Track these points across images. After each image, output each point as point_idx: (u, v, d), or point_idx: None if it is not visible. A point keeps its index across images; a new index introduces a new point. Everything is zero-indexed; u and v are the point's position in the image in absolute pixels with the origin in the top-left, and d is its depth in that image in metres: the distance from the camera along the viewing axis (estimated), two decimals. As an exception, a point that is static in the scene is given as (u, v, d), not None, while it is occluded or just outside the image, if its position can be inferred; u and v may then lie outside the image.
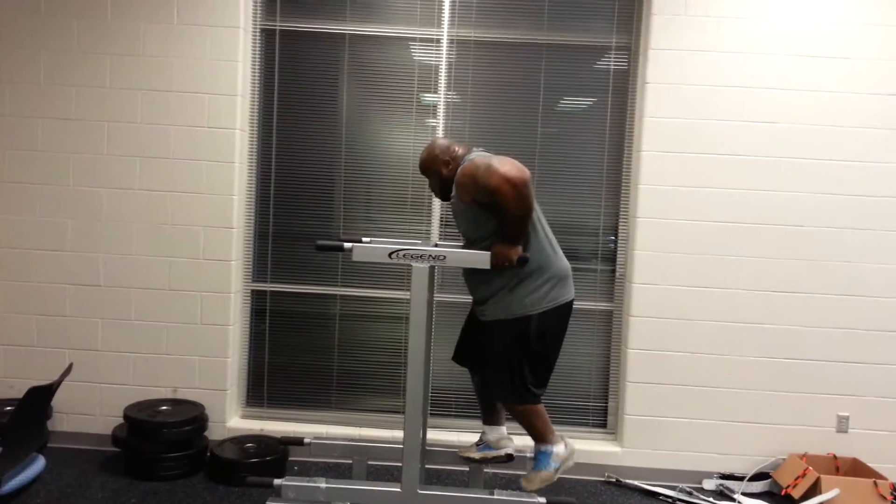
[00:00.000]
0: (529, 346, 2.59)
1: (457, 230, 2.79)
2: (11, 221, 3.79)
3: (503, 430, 2.94)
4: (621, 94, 3.84)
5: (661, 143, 3.64)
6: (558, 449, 2.71)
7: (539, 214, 2.65)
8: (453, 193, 2.64)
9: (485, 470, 3.01)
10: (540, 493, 2.58)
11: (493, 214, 2.51)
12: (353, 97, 3.93)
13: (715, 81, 3.62)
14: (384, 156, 3.94)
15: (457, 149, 2.73)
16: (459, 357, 2.95)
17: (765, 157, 3.63)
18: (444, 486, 2.58)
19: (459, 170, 2.59)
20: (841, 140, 3.61)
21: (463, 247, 2.74)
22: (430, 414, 3.78)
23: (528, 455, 2.89)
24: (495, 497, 2.50)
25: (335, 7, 3.86)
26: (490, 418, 2.95)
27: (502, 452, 2.84)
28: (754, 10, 3.61)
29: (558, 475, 2.70)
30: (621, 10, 3.81)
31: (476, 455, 2.85)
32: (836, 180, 3.62)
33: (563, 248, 2.73)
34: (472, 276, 2.69)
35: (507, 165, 2.42)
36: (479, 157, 2.57)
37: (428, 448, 3.00)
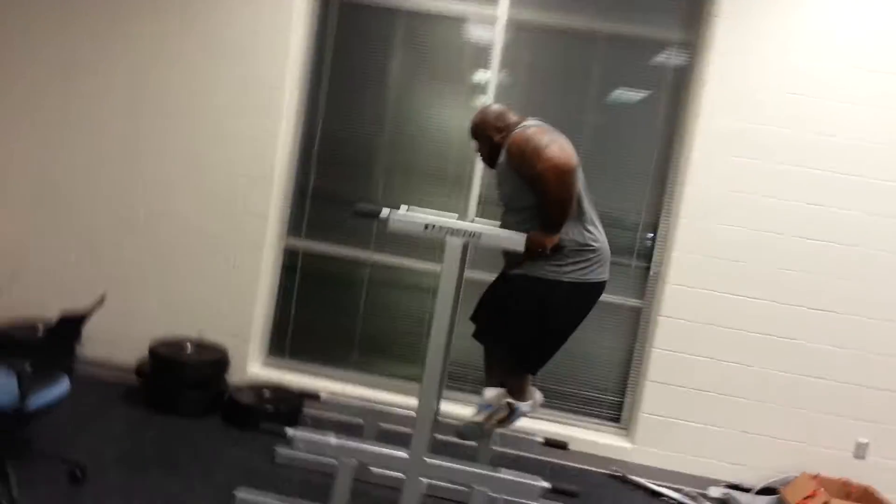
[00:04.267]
0: (545, 313, 2.57)
1: (497, 200, 2.75)
2: (59, 155, 3.91)
3: (501, 392, 2.87)
4: (677, 91, 3.75)
5: (713, 145, 3.55)
6: (524, 408, 2.74)
7: (584, 194, 2.60)
8: (501, 159, 2.61)
9: (493, 447, 3.01)
10: (545, 478, 2.58)
11: (535, 192, 2.49)
12: (403, 70, 3.92)
13: (774, 88, 3.51)
14: (429, 129, 3.93)
15: (510, 116, 2.69)
16: (476, 315, 2.91)
17: (816, 171, 3.52)
18: (451, 457, 2.59)
19: (511, 137, 2.56)
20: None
21: (503, 213, 2.71)
22: (447, 387, 3.81)
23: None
24: (500, 475, 2.51)
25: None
26: (491, 380, 2.91)
27: (503, 405, 2.75)
28: (821, 19, 3.48)
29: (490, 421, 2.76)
30: (687, 5, 3.70)
31: (478, 417, 2.79)
32: (888, 202, 3.50)
33: (601, 238, 2.70)
34: (518, 217, 2.61)
35: (555, 150, 2.39)
36: (532, 129, 2.52)
37: (440, 419, 3.03)
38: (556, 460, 3.61)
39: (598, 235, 2.61)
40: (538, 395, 2.85)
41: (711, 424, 3.68)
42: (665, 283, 3.66)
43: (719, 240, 3.59)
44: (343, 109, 3.97)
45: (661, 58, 3.77)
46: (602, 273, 2.61)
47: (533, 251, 2.45)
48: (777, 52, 3.50)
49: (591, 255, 2.56)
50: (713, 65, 3.54)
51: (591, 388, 3.94)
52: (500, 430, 2.94)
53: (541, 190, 2.41)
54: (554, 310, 2.58)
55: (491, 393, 2.78)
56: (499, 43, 3.80)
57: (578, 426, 3.89)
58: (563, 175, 2.37)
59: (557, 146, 2.42)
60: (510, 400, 2.72)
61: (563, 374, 3.89)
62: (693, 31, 3.70)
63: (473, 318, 2.89)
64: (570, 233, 2.52)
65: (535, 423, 3.75)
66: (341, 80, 3.95)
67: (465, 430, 2.83)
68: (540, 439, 3.08)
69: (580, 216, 2.56)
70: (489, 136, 2.69)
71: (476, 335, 2.85)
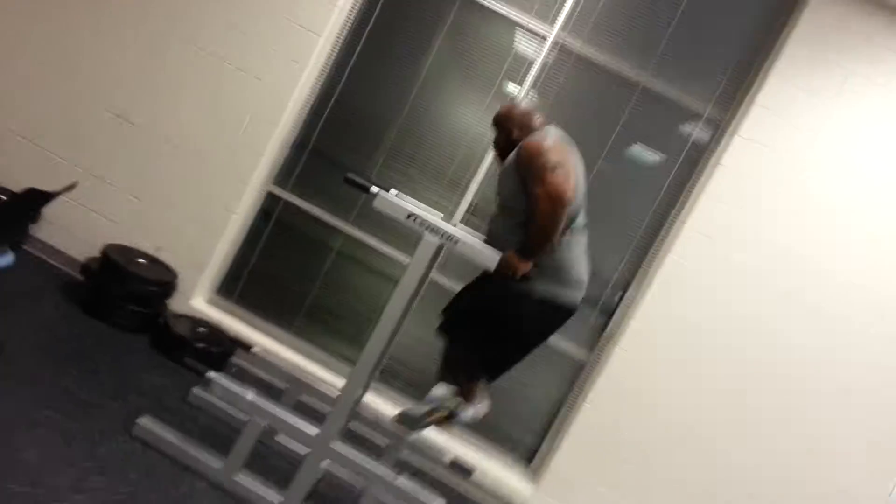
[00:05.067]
0: (511, 322, 2.56)
1: (494, 194, 2.72)
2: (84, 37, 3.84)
3: (451, 391, 2.83)
4: (690, 164, 3.76)
5: (706, 227, 3.56)
6: (469, 414, 2.72)
7: (582, 217, 2.60)
8: (511, 157, 2.58)
9: (400, 453, 2.99)
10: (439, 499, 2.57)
11: (522, 203, 2.48)
12: (438, 57, 3.88)
13: (780, 198, 3.54)
14: (443, 125, 3.91)
15: (536, 118, 2.67)
16: (448, 309, 2.86)
17: (790, 292, 3.53)
18: (358, 449, 2.57)
19: (528, 139, 2.54)
20: (880, 307, 3.51)
21: (496, 208, 2.69)
22: (376, 378, 3.79)
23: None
24: (397, 483, 2.49)
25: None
26: (444, 376, 2.87)
27: (448, 403, 2.72)
28: (847, 148, 3.52)
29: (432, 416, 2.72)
30: (729, 85, 3.72)
31: (420, 410, 2.73)
32: (849, 345, 3.51)
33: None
34: (499, 236, 2.61)
35: (560, 176, 2.37)
36: (550, 141, 2.50)
37: (359, 409, 3.01)
38: (456, 484, 3.58)
39: (580, 261, 2.59)
40: (486, 403, 2.81)
41: (620, 498, 3.68)
42: (615, 346, 3.66)
43: (681, 321, 3.59)
44: (367, 78, 3.92)
45: (686, 127, 3.78)
46: (573, 298, 2.59)
47: (503, 272, 2.43)
48: (793, 164, 3.53)
49: (566, 278, 2.55)
50: (732, 150, 3.55)
51: (514, 423, 3.93)
52: (440, 428, 2.89)
53: (532, 208, 2.40)
54: (520, 321, 2.58)
55: (441, 390, 2.75)
56: (540, 61, 3.79)
57: (489, 457, 3.87)
58: (557, 206, 2.36)
59: (564, 172, 2.40)
60: (457, 403, 2.70)
61: (493, 403, 3.87)
62: (726, 111, 3.72)
63: (444, 311, 2.85)
64: (561, 246, 2.51)
65: (448, 441, 3.75)
66: (376, 47, 3.90)
67: (405, 418, 2.78)
68: (447, 459, 3.06)
69: (571, 237, 2.54)
70: (509, 130, 2.67)
71: (441, 328, 2.80)
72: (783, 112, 3.53)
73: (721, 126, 3.72)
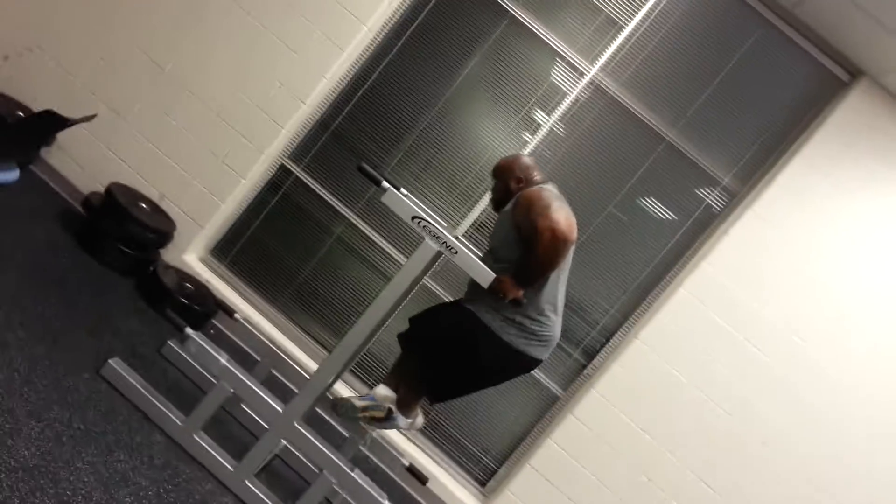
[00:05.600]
0: (473, 356, 2.56)
1: (487, 240, 2.76)
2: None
3: (393, 396, 2.79)
4: (699, 226, 3.80)
5: (702, 292, 3.59)
6: (401, 423, 2.70)
7: (564, 274, 2.61)
8: (507, 208, 2.62)
9: (361, 447, 2.99)
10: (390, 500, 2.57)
11: (523, 247, 2.49)
12: (475, 70, 3.90)
13: (783, 281, 3.58)
14: (466, 137, 3.93)
15: (535, 173, 2.71)
16: (416, 318, 2.83)
17: (777, 377, 3.56)
18: (318, 435, 2.57)
19: (526, 191, 2.57)
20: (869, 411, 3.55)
21: (484, 256, 2.70)
22: (350, 370, 3.80)
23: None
24: (352, 475, 2.49)
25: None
26: (390, 379, 2.84)
27: (385, 405, 2.68)
28: (853, 251, 3.57)
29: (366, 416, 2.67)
30: (753, 158, 3.77)
31: (358, 402, 2.67)
32: (827, 441, 3.55)
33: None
34: (493, 265, 2.57)
35: (562, 216, 2.40)
36: (548, 192, 2.54)
37: (329, 396, 3.00)
38: (409, 489, 3.58)
39: (553, 318, 2.60)
40: (420, 420, 2.82)
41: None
42: (591, 388, 3.67)
43: (660, 378, 3.61)
44: (402, 75, 3.94)
45: (703, 190, 3.82)
46: (539, 352, 2.60)
47: (495, 291, 2.44)
48: (804, 247, 3.58)
49: (538, 331, 2.55)
50: (742, 223, 3.59)
51: (478, 441, 3.94)
52: (370, 428, 2.91)
53: (531, 245, 2.41)
54: (481, 358, 2.57)
55: (383, 391, 2.74)
56: (573, 95, 3.82)
57: (446, 470, 3.88)
58: (559, 241, 2.37)
59: (565, 213, 2.44)
60: (393, 407, 2.69)
61: (459, 417, 3.90)
62: (744, 183, 3.76)
63: (412, 320, 2.85)
64: (533, 300, 2.53)
65: (409, 446, 3.76)
66: (416, 47, 3.92)
67: (340, 405, 2.73)
68: (405, 462, 3.06)
69: (549, 292, 2.56)
70: (508, 182, 2.71)
71: (403, 336, 2.80)
72: (800, 197, 3.57)
73: (737, 197, 3.76)
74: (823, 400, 3.54)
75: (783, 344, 3.55)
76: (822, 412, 3.54)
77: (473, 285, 2.60)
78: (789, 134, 3.73)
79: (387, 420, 2.67)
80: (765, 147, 3.76)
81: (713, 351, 3.59)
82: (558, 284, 2.58)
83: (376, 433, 3.07)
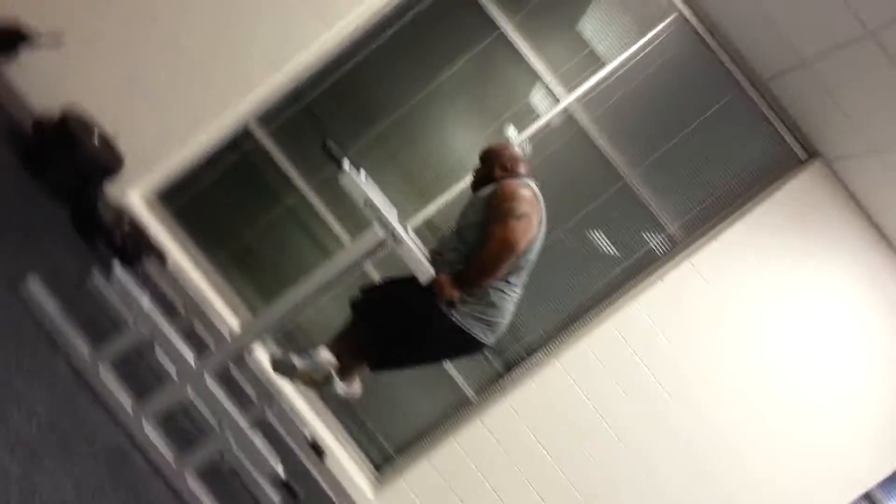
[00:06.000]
0: (421, 330, 2.57)
1: (455, 219, 2.76)
2: None
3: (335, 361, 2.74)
4: (637, 267, 3.93)
5: (625, 329, 3.74)
6: (339, 389, 2.66)
7: (528, 265, 2.63)
8: (484, 192, 2.62)
9: (266, 410, 2.96)
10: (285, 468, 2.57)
11: (476, 236, 2.52)
12: (457, 75, 3.96)
13: (699, 335, 3.77)
14: (436, 136, 3.98)
15: (521, 166, 2.73)
16: (370, 288, 2.84)
17: (672, 425, 3.73)
18: (226, 391, 2.56)
19: (506, 182, 2.59)
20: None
21: (451, 230, 2.72)
22: (276, 339, 3.78)
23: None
24: (250, 436, 2.47)
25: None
26: (335, 344, 2.78)
27: (325, 369, 2.61)
28: (768, 323, 3.77)
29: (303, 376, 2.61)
30: (700, 214, 3.91)
31: (298, 363, 2.59)
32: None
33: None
34: (442, 257, 2.63)
35: (520, 227, 2.43)
36: (526, 191, 2.54)
37: (245, 359, 2.99)
38: (304, 460, 3.58)
39: (507, 311, 2.62)
40: (358, 388, 2.79)
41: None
42: (503, 398, 3.75)
43: (568, 403, 3.72)
44: (386, 63, 3.95)
45: (648, 234, 3.95)
46: (485, 339, 2.61)
47: (432, 290, 2.47)
48: (725, 308, 3.75)
49: (488, 318, 2.57)
50: (677, 273, 3.74)
51: (382, 427, 3.97)
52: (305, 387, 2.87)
53: (482, 250, 2.45)
54: (427, 333, 2.58)
55: (325, 354, 2.72)
56: (546, 119, 3.91)
57: (346, 448, 3.89)
58: (505, 252, 2.41)
59: (526, 225, 2.45)
60: (333, 372, 2.68)
61: (370, 399, 3.91)
62: (688, 235, 3.91)
63: (364, 290, 2.83)
64: (507, 286, 2.55)
65: (314, 418, 3.76)
66: (406, 38, 3.94)
67: (280, 362, 2.65)
68: (308, 434, 3.06)
69: (509, 286, 2.58)
70: (493, 167, 2.72)
71: (355, 303, 2.78)
72: (735, 260, 3.74)
73: (678, 246, 3.90)
74: (711, 451, 3.72)
75: (688, 392, 3.70)
76: (705, 460, 3.71)
77: (454, 250, 2.61)
78: (739, 197, 3.90)
79: (325, 384, 2.64)
80: (715, 204, 3.92)
81: (624, 385, 3.72)
82: (520, 270, 2.60)
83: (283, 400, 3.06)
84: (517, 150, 2.82)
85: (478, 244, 2.52)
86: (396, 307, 2.63)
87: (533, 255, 2.62)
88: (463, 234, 2.64)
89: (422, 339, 2.60)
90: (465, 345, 2.65)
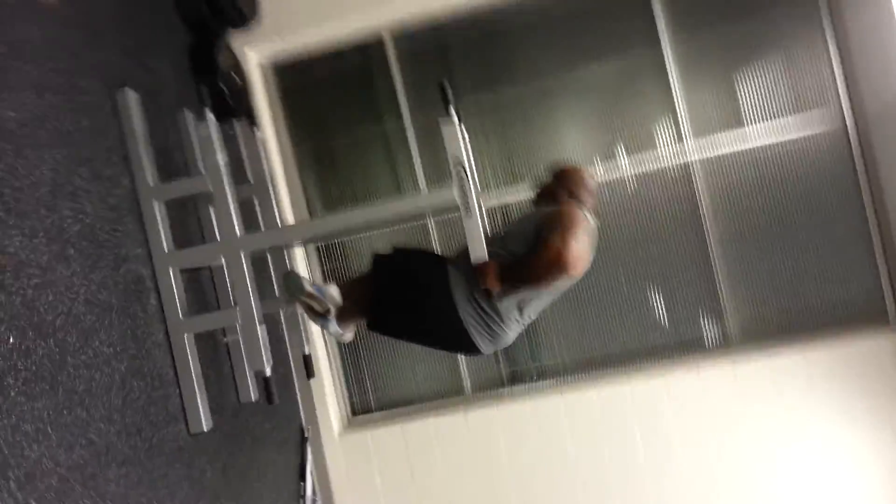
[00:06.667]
0: (426, 310, 2.54)
1: (503, 224, 2.72)
2: None
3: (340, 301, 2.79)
4: (683, 347, 3.83)
5: (638, 400, 3.66)
6: (333, 327, 2.67)
7: (550, 297, 2.59)
8: (542, 209, 2.57)
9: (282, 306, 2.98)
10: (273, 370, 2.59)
11: (529, 251, 2.46)
12: (597, 73, 3.84)
13: (702, 433, 3.64)
14: (552, 126, 3.87)
15: (589, 198, 2.67)
16: (399, 251, 2.81)
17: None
18: (255, 277, 2.56)
19: (569, 205, 2.53)
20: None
21: (492, 237, 2.63)
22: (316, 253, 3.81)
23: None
24: (258, 326, 2.48)
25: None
26: (347, 286, 2.81)
27: (328, 304, 2.67)
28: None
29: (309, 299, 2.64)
30: (769, 321, 3.76)
31: (307, 286, 2.65)
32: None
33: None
34: (498, 248, 2.55)
35: (578, 248, 2.34)
36: (586, 224, 2.46)
37: (284, 252, 3.00)
38: (294, 371, 3.63)
39: (513, 326, 2.57)
40: (349, 336, 2.81)
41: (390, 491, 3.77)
42: (494, 406, 3.73)
43: (554, 437, 3.68)
44: (536, 34, 3.85)
45: (706, 319, 3.82)
46: (483, 344, 2.57)
47: (477, 269, 2.42)
48: (726, 427, 3.61)
49: (492, 326, 2.52)
50: (718, 372, 3.64)
51: (376, 379, 4.00)
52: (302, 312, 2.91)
53: (535, 254, 2.38)
54: (428, 316, 2.55)
55: (334, 291, 2.74)
56: (661, 161, 3.79)
57: (334, 381, 3.95)
58: (558, 267, 2.31)
59: (582, 248, 2.37)
60: (333, 310, 2.69)
61: (379, 352, 3.94)
62: (746, 337, 3.78)
63: (395, 250, 2.79)
64: (506, 301, 2.50)
65: (319, 340, 3.80)
66: (567, 17, 3.83)
67: (291, 278, 2.70)
68: (307, 349, 3.08)
69: (524, 302, 2.53)
70: (560, 187, 2.66)
71: (377, 257, 2.75)
72: (776, 385, 3.60)
73: (729, 347, 3.76)
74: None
75: (667, 484, 3.61)
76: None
77: (465, 254, 2.58)
78: (810, 328, 3.71)
79: (321, 317, 2.66)
80: (782, 322, 3.74)
81: (610, 450, 3.65)
82: (538, 301, 2.56)
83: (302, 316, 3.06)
84: (592, 181, 2.72)
85: (518, 256, 2.45)
86: (413, 280, 2.59)
87: (566, 285, 2.54)
88: (507, 242, 2.56)
89: (422, 320, 2.56)
90: (458, 343, 2.59)
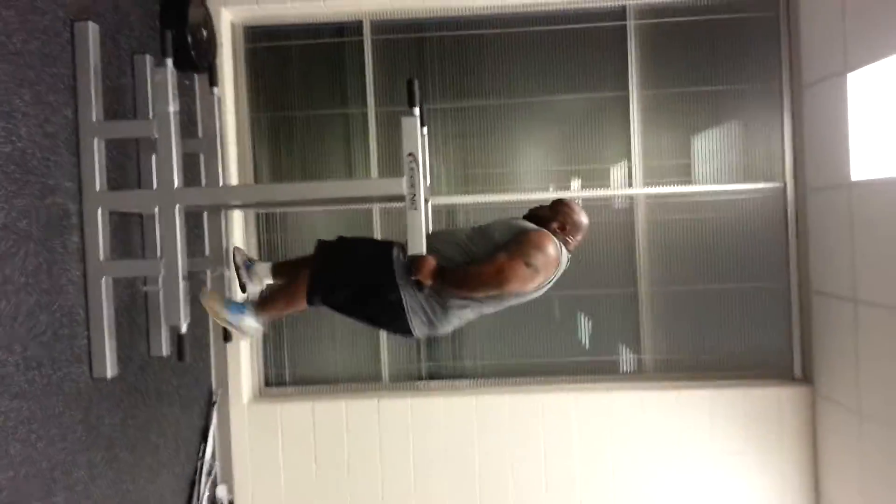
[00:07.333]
0: (368, 287, 2.55)
1: (473, 226, 2.74)
2: None
3: (268, 281, 2.86)
4: (601, 368, 3.95)
5: (542, 410, 3.73)
6: (250, 322, 2.63)
7: (491, 308, 2.63)
8: (525, 226, 2.59)
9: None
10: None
11: (485, 252, 2.50)
12: (568, 105, 3.93)
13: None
14: (512, 143, 3.94)
15: (575, 234, 2.70)
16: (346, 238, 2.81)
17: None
18: (186, 234, 2.53)
19: (548, 234, 2.54)
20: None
21: (465, 233, 2.67)
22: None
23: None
24: (181, 281, 2.46)
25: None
26: (279, 267, 2.88)
27: (253, 282, 2.78)
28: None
29: (224, 323, 2.61)
30: (677, 361, 3.91)
31: (237, 258, 2.76)
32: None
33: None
34: (462, 243, 2.59)
35: (523, 278, 2.41)
36: (556, 256, 2.51)
37: (222, 212, 2.97)
38: (211, 332, 3.61)
39: (451, 320, 2.60)
40: (258, 331, 2.70)
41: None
42: (407, 397, 3.78)
43: (458, 440, 3.75)
44: (515, 50, 3.90)
45: (626, 348, 3.94)
46: (417, 327, 2.58)
47: (412, 264, 2.44)
48: (629, 447, 3.74)
49: (431, 313, 2.55)
50: (623, 395, 3.75)
51: (296, 353, 3.97)
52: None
53: (480, 265, 2.42)
54: (372, 292, 2.56)
55: (265, 272, 2.77)
56: (610, 191, 3.90)
57: (251, 350, 3.93)
58: (495, 281, 2.39)
59: (528, 275, 2.43)
60: (254, 301, 2.69)
61: (304, 328, 3.92)
62: (654, 370, 3.91)
63: (338, 238, 2.78)
64: (453, 296, 2.53)
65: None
66: (548, 41, 3.89)
67: (237, 253, 2.81)
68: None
69: (472, 304, 2.56)
70: (554, 218, 2.67)
71: (321, 243, 2.73)
72: (680, 418, 3.73)
73: (642, 375, 3.90)
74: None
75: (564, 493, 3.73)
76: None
77: (448, 248, 2.58)
78: (722, 368, 3.87)
79: (232, 306, 2.62)
80: (697, 360, 3.89)
81: (514, 459, 3.73)
82: (483, 307, 2.59)
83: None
84: (585, 220, 2.73)
85: (477, 258, 2.50)
86: (355, 255, 2.62)
87: (515, 302, 2.60)
88: (475, 240, 2.60)
89: (365, 295, 2.57)
90: (396, 322, 2.60)
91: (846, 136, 3.30)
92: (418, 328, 2.59)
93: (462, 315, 2.61)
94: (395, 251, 2.57)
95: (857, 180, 3.25)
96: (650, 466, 3.72)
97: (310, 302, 2.60)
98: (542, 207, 2.75)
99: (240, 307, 2.60)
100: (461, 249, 2.55)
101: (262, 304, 2.65)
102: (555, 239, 2.54)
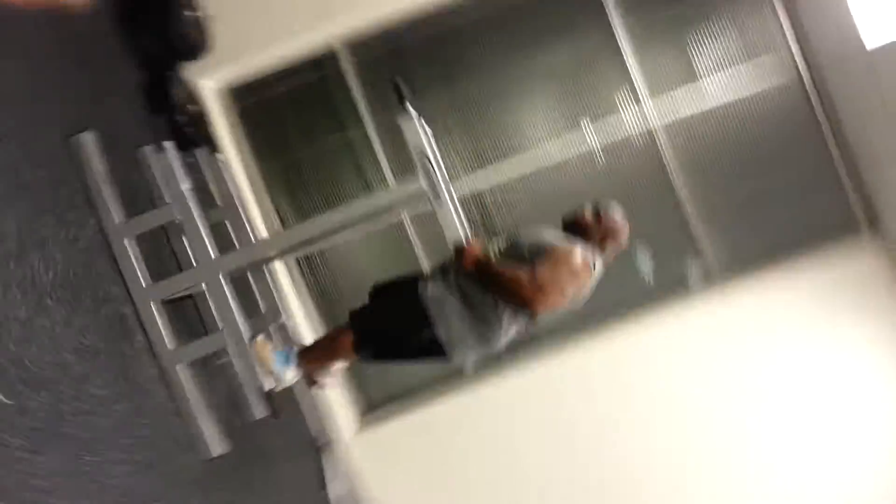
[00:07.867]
0: (406, 328, 2.54)
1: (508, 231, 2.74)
2: None
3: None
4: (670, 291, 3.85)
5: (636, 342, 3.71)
6: (290, 375, 2.69)
7: (514, 328, 2.58)
8: (559, 235, 2.57)
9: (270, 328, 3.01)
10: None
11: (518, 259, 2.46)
12: (554, 55, 3.88)
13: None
14: (514, 112, 3.91)
15: (614, 249, 2.66)
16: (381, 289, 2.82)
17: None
18: (238, 297, 2.57)
19: (582, 249, 2.48)
20: None
21: (505, 237, 2.65)
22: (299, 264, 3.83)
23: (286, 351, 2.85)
24: (248, 346, 2.51)
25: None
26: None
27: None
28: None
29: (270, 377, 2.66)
30: (747, 256, 3.81)
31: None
32: None
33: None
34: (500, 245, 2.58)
35: (553, 296, 2.38)
36: (585, 272, 2.46)
37: (263, 267, 3.01)
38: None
39: (496, 333, 2.54)
40: (292, 380, 2.76)
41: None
42: (470, 393, 3.76)
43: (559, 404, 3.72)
44: (488, 25, 3.90)
45: (689, 261, 3.86)
46: (474, 352, 2.56)
47: (457, 252, 2.43)
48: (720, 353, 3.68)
49: (478, 334, 2.51)
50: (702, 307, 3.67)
51: (382, 380, 4.02)
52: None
53: (519, 274, 2.37)
54: (407, 340, 2.56)
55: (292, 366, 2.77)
56: (626, 132, 3.82)
57: (342, 381, 3.97)
58: (522, 297, 2.36)
59: (554, 299, 2.40)
60: (296, 363, 2.71)
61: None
62: (725, 272, 3.81)
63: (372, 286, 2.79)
64: (493, 328, 2.50)
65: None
66: (517, 7, 3.86)
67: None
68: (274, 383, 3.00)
69: (499, 326, 2.51)
70: (595, 230, 2.61)
71: (352, 314, 2.73)
72: (762, 306, 3.64)
73: (714, 281, 3.79)
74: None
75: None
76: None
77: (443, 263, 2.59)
78: (788, 249, 3.80)
79: (279, 354, 2.68)
80: (762, 251, 3.82)
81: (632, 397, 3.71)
82: (508, 330, 2.54)
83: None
84: (626, 236, 2.67)
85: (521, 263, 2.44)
86: (388, 315, 2.60)
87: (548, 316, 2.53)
88: (507, 253, 2.53)
89: (402, 344, 2.57)
90: (441, 358, 2.55)
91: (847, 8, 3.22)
92: (470, 354, 2.55)
93: (508, 328, 2.52)
94: (422, 286, 2.52)
95: (874, 48, 3.18)
96: (761, 366, 3.66)
97: (358, 353, 2.64)
98: (585, 218, 2.64)
99: (286, 357, 2.65)
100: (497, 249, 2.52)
101: (304, 355, 2.69)
102: (590, 253, 2.48)
